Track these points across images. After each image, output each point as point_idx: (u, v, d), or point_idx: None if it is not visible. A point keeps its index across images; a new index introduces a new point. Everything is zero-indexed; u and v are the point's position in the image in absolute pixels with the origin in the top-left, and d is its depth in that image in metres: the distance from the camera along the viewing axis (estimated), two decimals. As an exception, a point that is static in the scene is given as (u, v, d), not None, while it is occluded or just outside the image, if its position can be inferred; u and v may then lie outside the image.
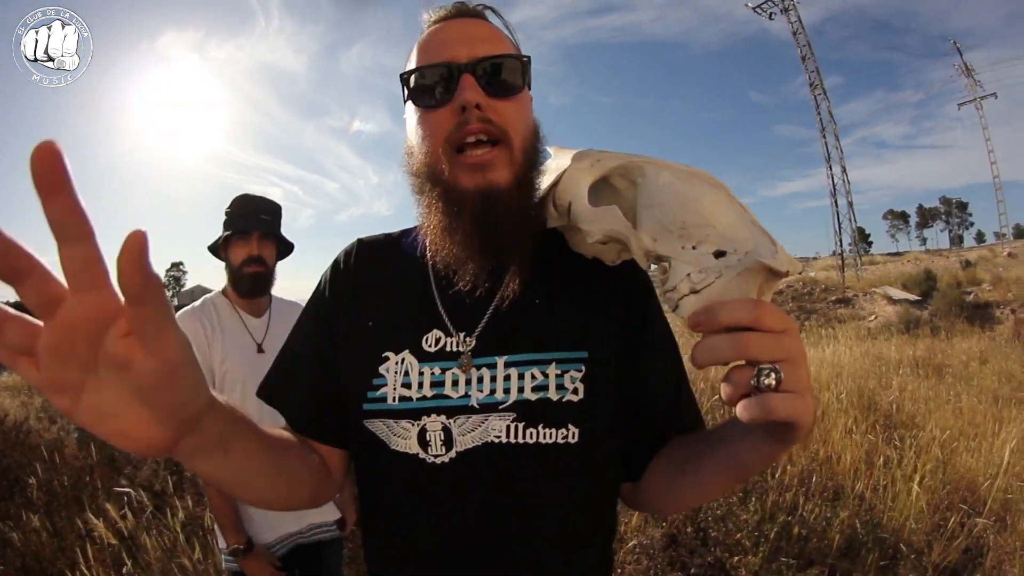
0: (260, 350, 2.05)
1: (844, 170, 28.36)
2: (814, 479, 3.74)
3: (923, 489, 3.37)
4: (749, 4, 30.68)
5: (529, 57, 0.86)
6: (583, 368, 0.83)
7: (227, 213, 2.09)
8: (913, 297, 17.94)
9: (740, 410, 0.57)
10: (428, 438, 0.80)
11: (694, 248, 0.65)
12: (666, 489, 0.85)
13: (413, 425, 0.81)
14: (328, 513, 2.12)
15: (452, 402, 0.81)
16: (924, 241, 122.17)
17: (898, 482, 3.46)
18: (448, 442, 0.80)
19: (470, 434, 0.80)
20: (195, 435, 0.56)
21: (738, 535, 3.01)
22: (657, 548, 3.01)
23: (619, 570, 2.88)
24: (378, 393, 0.84)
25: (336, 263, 0.97)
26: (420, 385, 0.82)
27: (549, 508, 0.81)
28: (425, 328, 0.86)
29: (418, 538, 0.83)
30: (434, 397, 0.82)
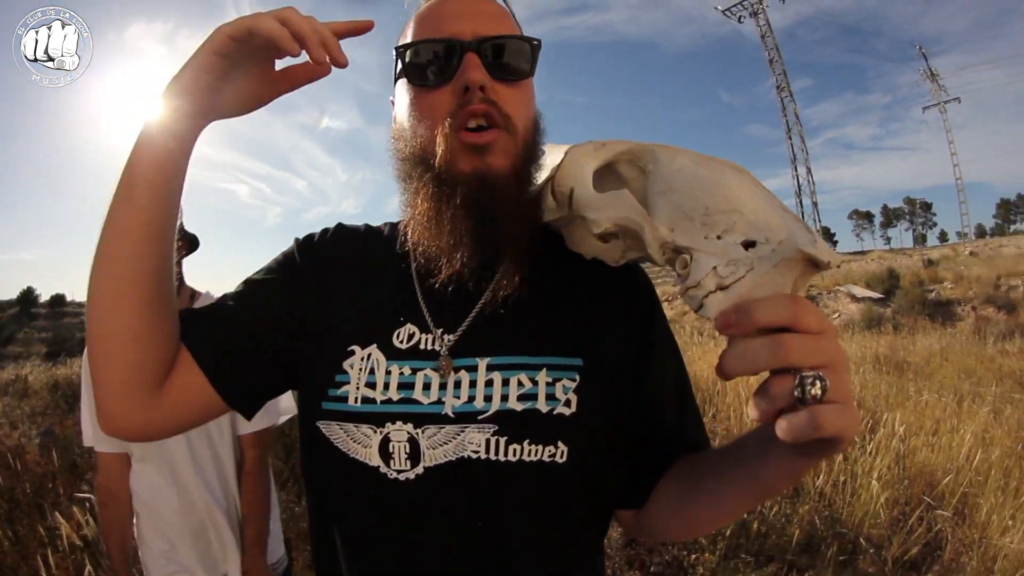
0: None
1: (809, 171, 29.27)
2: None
3: (882, 484, 3.46)
4: (719, 7, 31.24)
5: (539, 41, 0.76)
6: (577, 377, 0.73)
7: None
8: (876, 295, 18.38)
9: (783, 428, 0.48)
10: (391, 449, 0.70)
11: (719, 238, 0.56)
12: (677, 514, 0.75)
13: (375, 432, 0.71)
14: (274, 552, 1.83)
15: (421, 408, 0.71)
16: (888, 240, 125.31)
17: (858, 478, 3.54)
18: (415, 456, 0.70)
19: (441, 448, 0.70)
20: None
21: None
22: (615, 547, 3.05)
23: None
24: (339, 392, 0.73)
25: (311, 235, 0.88)
26: (386, 386, 0.72)
27: (530, 537, 0.71)
28: (398, 322, 0.76)
29: (375, 564, 0.73)
30: (401, 401, 0.72)
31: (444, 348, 0.74)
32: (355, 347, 0.75)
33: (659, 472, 0.78)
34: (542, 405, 0.71)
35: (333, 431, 0.73)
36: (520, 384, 0.71)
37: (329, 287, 0.81)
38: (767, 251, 0.53)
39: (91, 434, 1.73)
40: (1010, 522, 3.11)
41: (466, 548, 0.70)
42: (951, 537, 3.14)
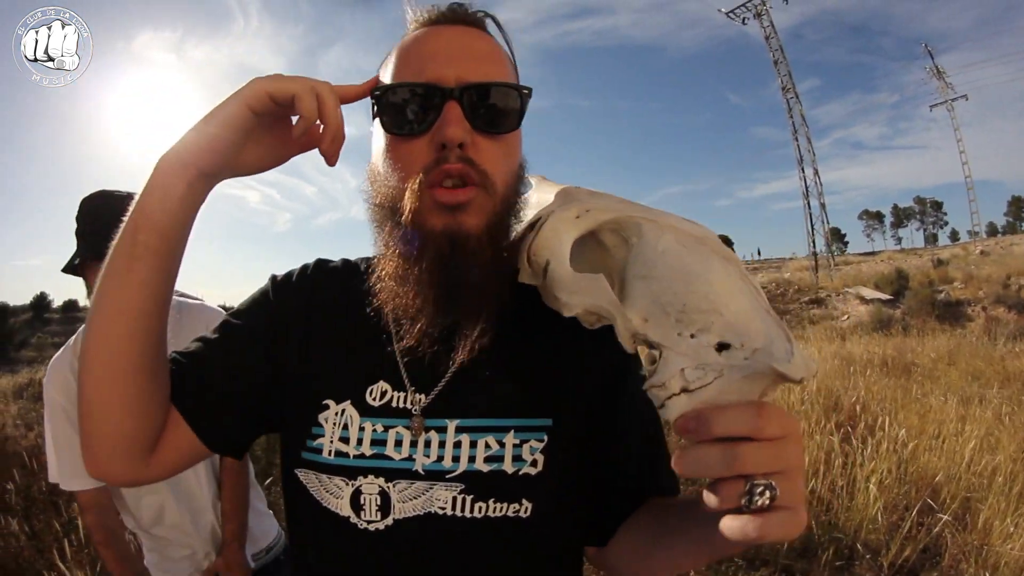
0: None
1: (816, 172, 28.99)
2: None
3: (881, 489, 3.46)
4: (723, 9, 31.01)
5: (530, 89, 0.73)
6: (545, 438, 0.74)
7: (79, 225, 1.60)
8: (885, 296, 18.29)
9: (726, 527, 0.49)
10: (362, 501, 0.73)
11: (692, 336, 0.54)
12: (636, 558, 0.76)
13: (347, 485, 0.74)
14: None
15: (393, 464, 0.73)
16: (899, 240, 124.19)
17: (858, 482, 3.54)
18: (385, 508, 0.72)
19: (411, 502, 0.72)
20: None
21: None
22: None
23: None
24: (315, 443, 0.76)
25: (289, 275, 0.87)
26: (359, 442, 0.74)
27: None
28: (372, 378, 0.77)
29: None
30: (373, 456, 0.74)
31: (417, 408, 0.75)
32: (330, 401, 0.77)
33: (623, 516, 0.78)
34: (508, 467, 0.73)
35: (309, 479, 0.76)
36: (487, 446, 0.73)
37: (304, 334, 0.81)
38: (740, 359, 0.52)
39: (66, 473, 1.58)
40: (1012, 528, 3.09)
41: None
42: (950, 543, 3.13)
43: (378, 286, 0.75)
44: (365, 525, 0.73)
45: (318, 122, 0.65)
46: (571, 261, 0.64)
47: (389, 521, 0.72)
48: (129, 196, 1.60)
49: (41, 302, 66.75)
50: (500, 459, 0.73)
